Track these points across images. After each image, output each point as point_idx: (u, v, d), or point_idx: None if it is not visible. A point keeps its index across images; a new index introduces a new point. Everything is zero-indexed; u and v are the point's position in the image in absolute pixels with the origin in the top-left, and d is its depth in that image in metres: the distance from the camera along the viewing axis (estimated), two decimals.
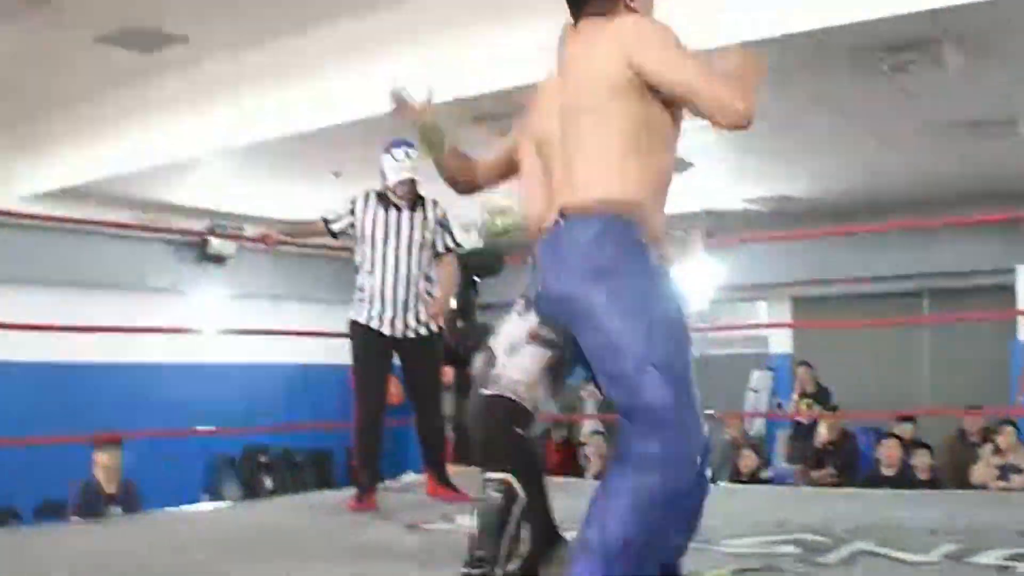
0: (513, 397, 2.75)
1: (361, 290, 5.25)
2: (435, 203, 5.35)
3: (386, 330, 5.20)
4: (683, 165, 9.72)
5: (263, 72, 7.69)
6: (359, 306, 5.25)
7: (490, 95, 6.84)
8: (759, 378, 13.04)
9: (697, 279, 13.50)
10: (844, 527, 3.96)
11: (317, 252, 10.57)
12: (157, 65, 7.70)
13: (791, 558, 3.42)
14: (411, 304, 5.17)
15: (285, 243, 5.52)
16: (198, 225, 11.31)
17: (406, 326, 5.17)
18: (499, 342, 2.82)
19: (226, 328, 11.57)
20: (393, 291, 5.17)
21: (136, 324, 9.27)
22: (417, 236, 5.24)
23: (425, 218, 5.29)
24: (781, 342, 12.92)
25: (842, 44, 6.07)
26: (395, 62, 6.71)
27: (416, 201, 5.29)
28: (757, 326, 13.37)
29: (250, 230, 10.95)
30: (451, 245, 5.44)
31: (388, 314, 5.19)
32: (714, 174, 9.97)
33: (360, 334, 5.25)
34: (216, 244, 11.72)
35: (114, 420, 8.85)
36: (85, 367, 10.39)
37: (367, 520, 4.73)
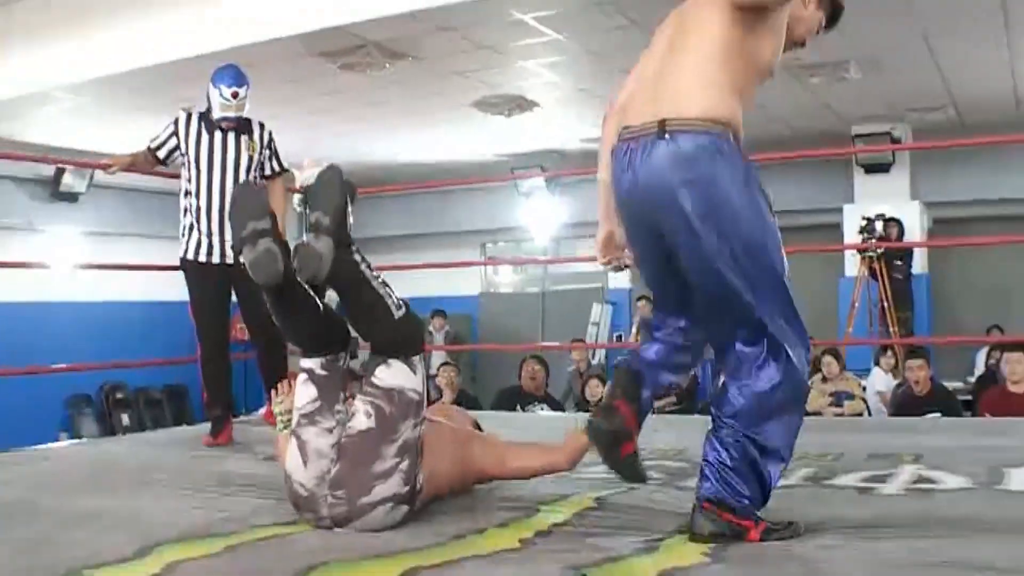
0: None
1: (187, 215, 5.01)
2: (262, 125, 5.15)
3: (216, 259, 4.98)
4: (528, 104, 9.97)
5: (112, 5, 7.51)
6: (186, 237, 5.03)
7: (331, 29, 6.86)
8: (599, 311, 13.34)
9: (542, 216, 13.69)
10: (698, 453, 3.94)
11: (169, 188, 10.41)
12: None
13: (655, 483, 3.45)
14: None
15: (131, 170, 5.26)
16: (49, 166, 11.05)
17: None
18: None
19: (76, 264, 11.36)
20: (220, 216, 4.89)
21: None
22: (244, 158, 5.02)
23: (251, 139, 5.08)
24: (619, 278, 13.12)
25: None
26: None
27: (242, 124, 5.07)
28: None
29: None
30: (277, 168, 5.26)
31: (216, 241, 4.97)
32: (557, 115, 10.48)
33: (190, 270, 5.04)
34: (68, 181, 11.46)
35: None
36: None
37: (222, 453, 4.67)
